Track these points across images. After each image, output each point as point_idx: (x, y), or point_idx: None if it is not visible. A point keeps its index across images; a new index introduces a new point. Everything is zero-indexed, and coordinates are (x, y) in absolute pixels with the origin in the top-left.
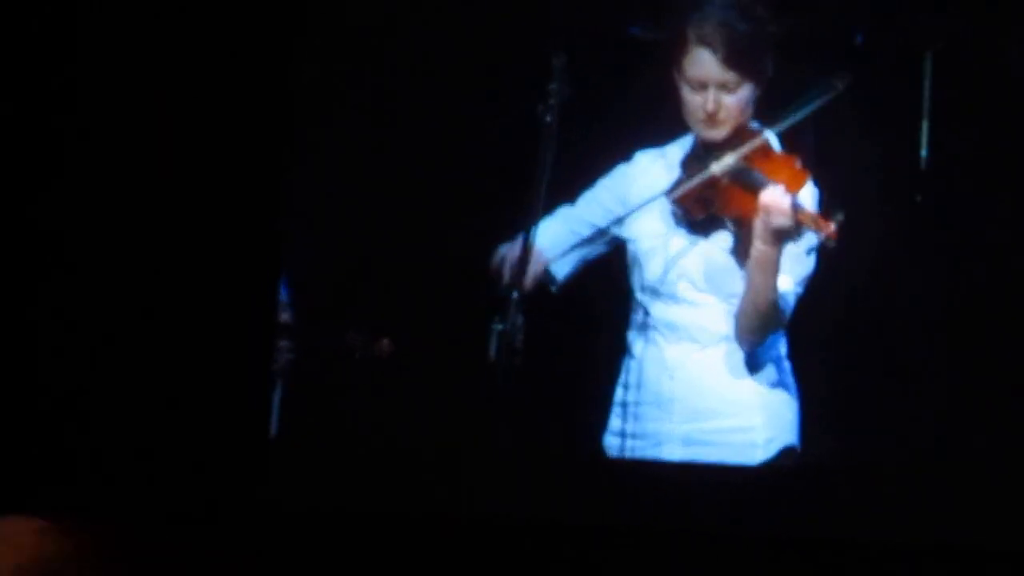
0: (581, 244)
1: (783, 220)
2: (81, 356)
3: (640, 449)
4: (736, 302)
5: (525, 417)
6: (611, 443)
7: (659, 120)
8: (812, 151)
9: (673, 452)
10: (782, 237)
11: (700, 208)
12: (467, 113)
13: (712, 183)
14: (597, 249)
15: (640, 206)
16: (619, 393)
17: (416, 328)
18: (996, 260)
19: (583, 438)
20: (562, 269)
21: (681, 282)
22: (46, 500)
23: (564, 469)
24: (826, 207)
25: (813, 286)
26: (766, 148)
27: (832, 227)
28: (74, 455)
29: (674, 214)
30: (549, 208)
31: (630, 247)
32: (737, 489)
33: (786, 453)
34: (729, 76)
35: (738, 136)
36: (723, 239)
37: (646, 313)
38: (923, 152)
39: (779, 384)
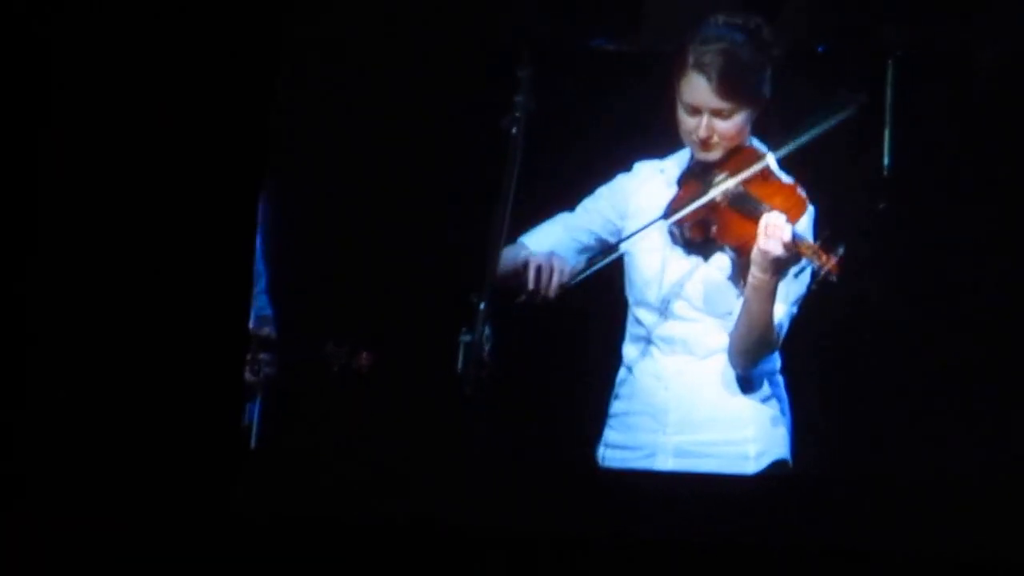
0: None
1: (782, 252)
2: (59, 367)
3: (632, 460)
4: (732, 320)
5: (512, 426)
6: (603, 453)
7: (641, 130)
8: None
9: (665, 464)
10: (780, 267)
11: (699, 231)
12: (438, 129)
13: (712, 205)
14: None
15: (641, 229)
16: (613, 404)
17: (393, 341)
18: (970, 268)
19: (574, 448)
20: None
21: (678, 300)
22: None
23: (550, 479)
24: (826, 239)
25: (806, 303)
26: (766, 173)
27: (833, 260)
28: (54, 464)
29: (672, 233)
30: (525, 216)
31: (627, 261)
32: (726, 499)
33: (777, 467)
34: (723, 104)
35: (735, 156)
36: (721, 262)
37: (642, 326)
38: (886, 160)
39: (772, 398)
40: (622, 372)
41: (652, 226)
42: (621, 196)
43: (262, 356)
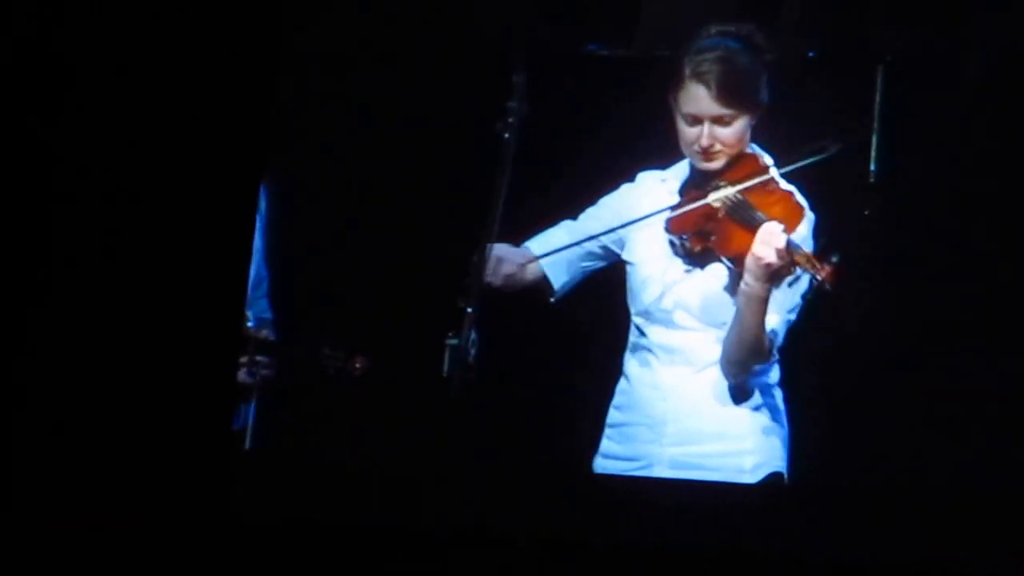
0: (571, 247)
1: (775, 259)
2: (54, 368)
3: (628, 471)
4: None
5: (503, 431)
6: (599, 463)
7: (642, 139)
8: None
9: (661, 475)
10: (773, 275)
11: (698, 241)
12: (433, 133)
13: (710, 214)
14: (596, 265)
15: (637, 220)
16: (611, 414)
17: (388, 345)
18: (960, 274)
19: (565, 454)
20: (559, 278)
21: (677, 310)
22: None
23: (541, 483)
24: (821, 248)
25: (804, 314)
26: (766, 183)
27: (827, 269)
28: (53, 467)
29: (672, 243)
30: (519, 221)
31: (629, 271)
32: (720, 509)
33: (773, 479)
34: (724, 111)
35: (737, 164)
36: (719, 273)
37: (643, 336)
38: (872, 166)
39: (769, 410)
40: (621, 382)
41: (654, 239)
42: (625, 205)
43: (259, 358)
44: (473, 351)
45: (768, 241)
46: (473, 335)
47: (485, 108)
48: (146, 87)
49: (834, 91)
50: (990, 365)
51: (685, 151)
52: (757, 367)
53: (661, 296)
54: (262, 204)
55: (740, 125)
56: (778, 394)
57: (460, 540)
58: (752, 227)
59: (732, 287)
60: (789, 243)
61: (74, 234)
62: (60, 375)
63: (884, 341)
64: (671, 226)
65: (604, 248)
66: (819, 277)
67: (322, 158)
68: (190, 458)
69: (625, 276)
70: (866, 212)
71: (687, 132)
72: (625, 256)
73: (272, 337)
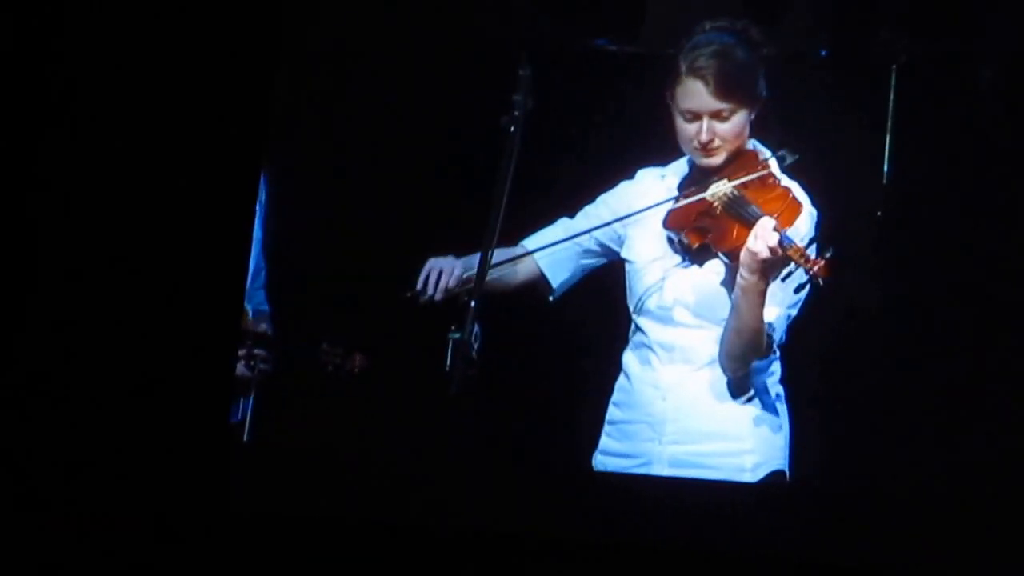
0: (563, 242)
1: (768, 254)
2: (52, 362)
3: (627, 468)
4: None
5: (504, 427)
6: (599, 460)
7: (643, 136)
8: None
9: (661, 472)
10: (767, 269)
11: (696, 237)
12: (436, 128)
13: (708, 210)
14: (595, 263)
15: (633, 214)
16: (611, 411)
17: (388, 340)
18: (970, 276)
19: (565, 451)
20: (557, 277)
21: (676, 307)
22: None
23: (541, 480)
24: (814, 242)
25: (804, 311)
26: (764, 178)
27: (821, 263)
28: (51, 459)
29: (670, 240)
30: (522, 217)
31: (627, 268)
32: (720, 508)
33: (774, 478)
34: (722, 106)
35: (736, 160)
36: (717, 269)
37: (641, 332)
38: (885, 167)
39: (771, 408)
40: (621, 380)
41: (652, 236)
42: (624, 203)
43: (257, 351)
44: (476, 345)
45: (761, 236)
46: (476, 329)
47: (488, 101)
48: (146, 78)
49: (844, 91)
50: (993, 366)
51: (684, 148)
52: (756, 362)
53: (660, 293)
54: (262, 194)
55: (739, 119)
56: (778, 392)
57: (457, 536)
58: (748, 222)
59: (730, 283)
60: (782, 238)
61: (74, 225)
62: (59, 367)
63: (887, 340)
64: (669, 222)
65: (602, 246)
66: (812, 271)
67: (323, 149)
68: (188, 451)
69: (622, 274)
70: (879, 213)
71: (686, 128)
72: (624, 254)
73: (270, 330)
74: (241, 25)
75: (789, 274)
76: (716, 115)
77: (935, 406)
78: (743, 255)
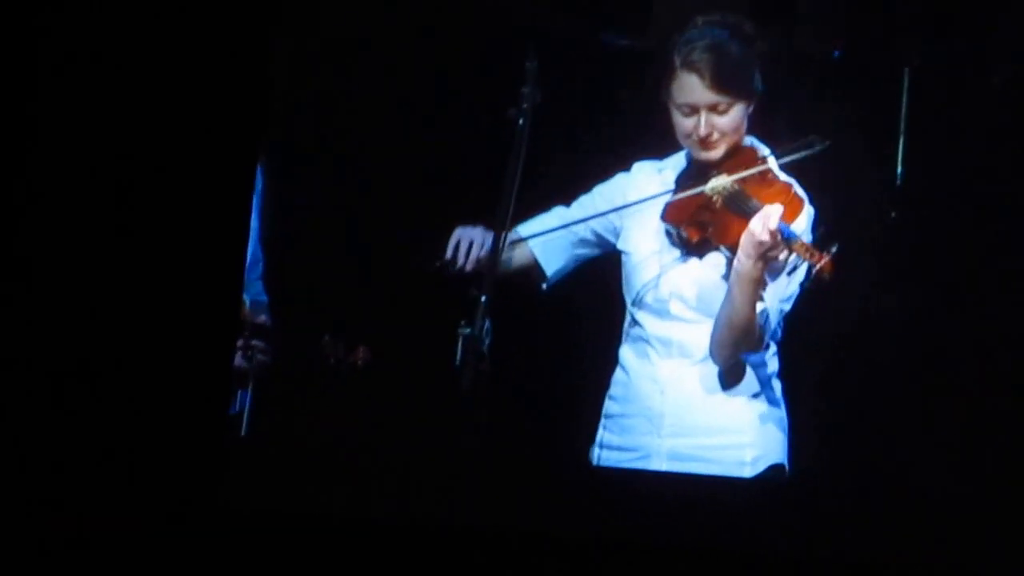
0: (557, 230)
1: (767, 239)
2: (49, 353)
3: (626, 462)
4: None
5: (506, 424)
6: (597, 454)
7: (642, 130)
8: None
9: (659, 467)
10: (764, 254)
11: (696, 231)
12: (444, 122)
13: (707, 204)
14: (589, 253)
15: (631, 204)
16: (609, 406)
17: (391, 334)
18: (977, 277)
19: (570, 447)
20: (551, 264)
21: (673, 300)
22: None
23: (547, 476)
24: (820, 237)
25: (804, 306)
26: (764, 174)
27: (826, 259)
28: (47, 451)
29: (668, 233)
30: (526, 209)
31: (624, 260)
32: (720, 502)
33: (773, 471)
34: (719, 99)
35: (735, 156)
36: (716, 262)
37: (640, 327)
38: (899, 169)
39: (769, 402)
40: (618, 373)
41: (649, 229)
42: (619, 194)
43: (255, 343)
44: (487, 341)
45: (764, 220)
46: (487, 324)
47: (487, 91)
48: (143, 67)
49: (855, 92)
50: (993, 363)
51: (683, 142)
52: (753, 356)
53: (657, 286)
54: (259, 184)
55: (736, 113)
56: (777, 386)
57: (456, 532)
58: (749, 216)
59: (727, 276)
60: (787, 231)
61: (70, 217)
62: (56, 359)
63: (887, 337)
64: (667, 215)
65: (598, 236)
66: (818, 266)
67: (330, 141)
68: (185, 443)
69: (619, 266)
70: (892, 215)
71: (684, 123)
72: (620, 245)
73: (268, 322)
74: (237, 15)
75: (794, 268)
76: (713, 108)
77: (935, 399)
78: (743, 238)
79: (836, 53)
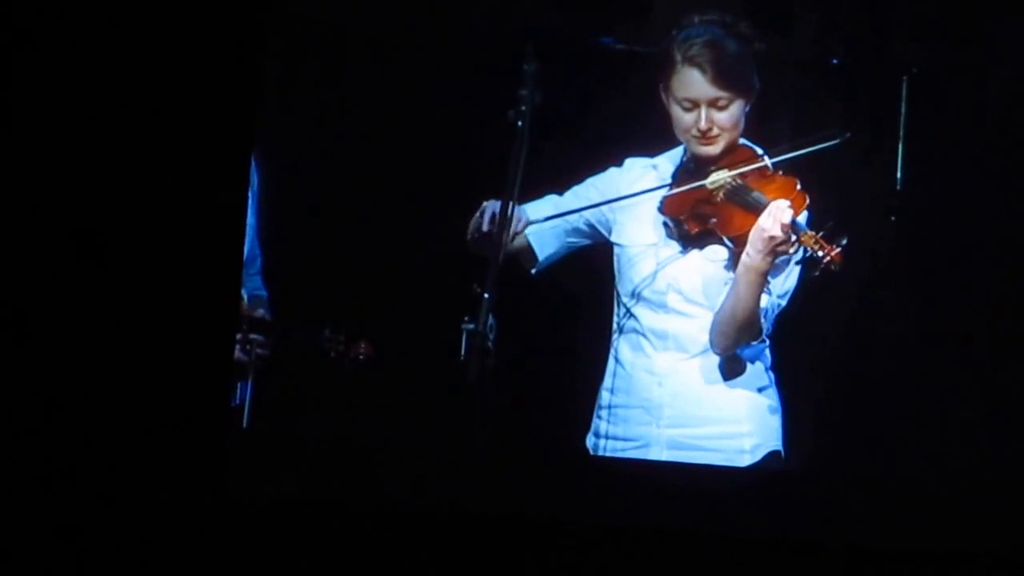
0: (556, 218)
1: (779, 234)
2: (51, 348)
3: (625, 451)
4: None
5: (506, 415)
6: (596, 444)
7: (636, 128)
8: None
9: (659, 456)
10: (774, 249)
11: (696, 223)
12: (442, 119)
13: (708, 197)
14: (581, 242)
15: (626, 197)
16: (605, 397)
17: (392, 328)
18: (975, 279)
19: (566, 438)
20: (544, 250)
21: (671, 293)
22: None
23: (544, 467)
24: (829, 230)
25: (802, 300)
26: (762, 170)
27: (836, 250)
28: (51, 444)
29: (666, 226)
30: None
31: (617, 252)
32: (719, 490)
33: (771, 458)
34: (720, 94)
35: (732, 153)
36: (718, 254)
37: (634, 319)
38: (899, 174)
39: (766, 391)
40: (612, 365)
41: (645, 221)
42: (612, 187)
43: (254, 336)
44: (492, 336)
45: (776, 215)
46: (491, 320)
47: (484, 90)
48: (136, 65)
49: (854, 99)
50: (990, 356)
51: (682, 137)
52: (747, 345)
53: (653, 278)
54: (254, 180)
55: (736, 109)
56: (772, 377)
57: (455, 520)
58: (753, 208)
59: (731, 267)
60: (797, 224)
61: (67, 214)
62: (57, 354)
63: (886, 332)
64: (666, 208)
65: (591, 227)
66: (828, 258)
67: (329, 138)
68: (186, 435)
69: (613, 259)
70: (893, 218)
71: (684, 118)
72: (614, 238)
73: (267, 316)
74: (233, 11)
75: (797, 262)
76: (714, 103)
77: (932, 388)
78: (753, 233)
79: (835, 61)
